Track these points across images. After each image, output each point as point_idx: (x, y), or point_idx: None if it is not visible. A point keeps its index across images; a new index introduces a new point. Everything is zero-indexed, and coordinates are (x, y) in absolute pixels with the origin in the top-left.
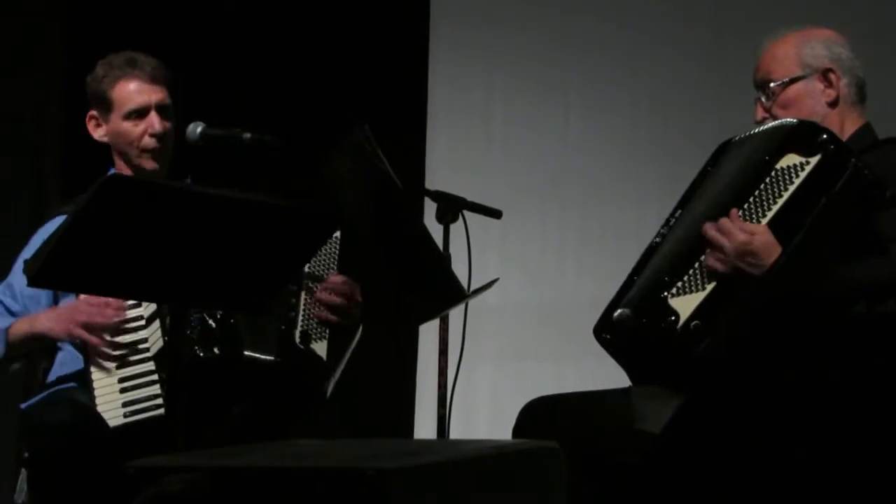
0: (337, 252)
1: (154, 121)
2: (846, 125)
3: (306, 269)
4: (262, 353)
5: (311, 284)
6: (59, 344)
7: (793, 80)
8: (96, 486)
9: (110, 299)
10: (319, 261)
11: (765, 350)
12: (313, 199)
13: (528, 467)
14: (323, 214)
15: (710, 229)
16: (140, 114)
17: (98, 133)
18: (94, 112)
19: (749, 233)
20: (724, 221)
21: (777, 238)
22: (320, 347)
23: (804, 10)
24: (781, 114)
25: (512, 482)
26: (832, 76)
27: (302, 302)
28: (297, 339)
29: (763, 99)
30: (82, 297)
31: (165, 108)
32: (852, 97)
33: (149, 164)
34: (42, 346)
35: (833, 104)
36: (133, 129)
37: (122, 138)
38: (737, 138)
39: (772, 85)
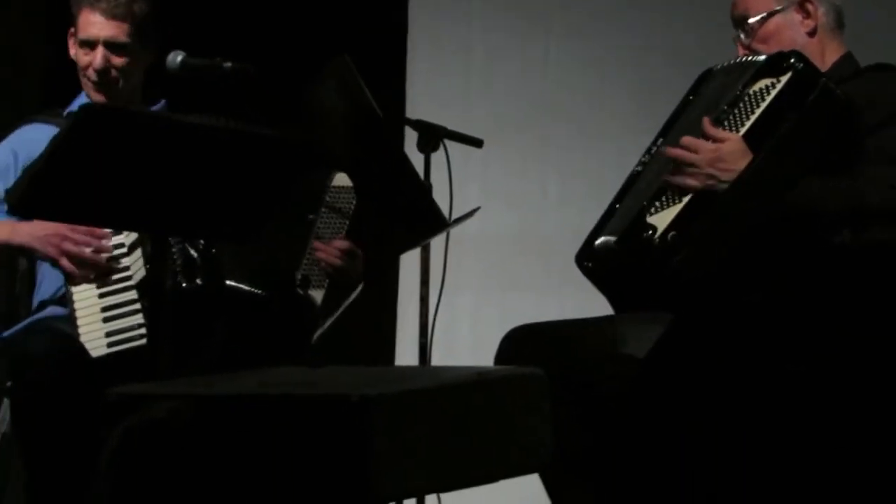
0: (350, 215)
1: (97, 55)
2: (826, 53)
3: (317, 227)
4: (254, 287)
5: (325, 231)
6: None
7: (770, 14)
8: (79, 415)
9: (95, 230)
10: (330, 219)
11: (745, 274)
12: (294, 128)
13: (513, 393)
14: (302, 143)
15: (672, 150)
16: (90, 45)
17: (72, 52)
18: (71, 29)
19: (719, 139)
20: (686, 138)
21: (751, 148)
22: (317, 295)
23: None
24: (762, 48)
25: (496, 408)
26: (809, 6)
27: (308, 248)
28: (297, 282)
29: (742, 36)
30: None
31: (117, 45)
32: (830, 24)
33: (92, 94)
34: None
35: (812, 33)
36: (83, 58)
37: (77, 63)
38: (717, 67)
39: (750, 21)
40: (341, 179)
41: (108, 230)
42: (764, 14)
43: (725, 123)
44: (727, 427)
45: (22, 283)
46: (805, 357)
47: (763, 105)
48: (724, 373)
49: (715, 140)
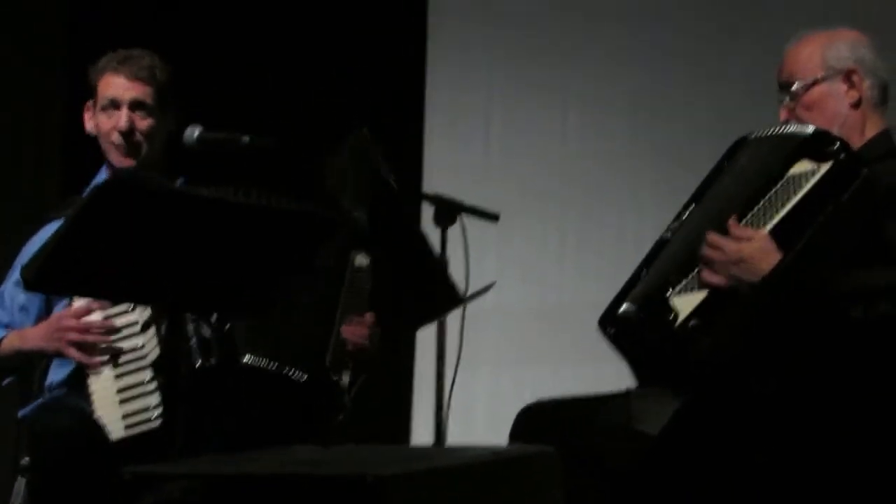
0: (369, 286)
1: (121, 117)
2: (867, 127)
3: (343, 299)
4: (289, 367)
5: (345, 313)
6: None
7: (815, 82)
8: (97, 493)
9: (93, 304)
10: (353, 293)
11: (762, 353)
12: (312, 202)
13: (525, 472)
14: (320, 217)
15: (703, 249)
16: (114, 106)
17: (89, 125)
18: (89, 103)
19: (745, 239)
20: (712, 236)
21: (779, 244)
22: (345, 377)
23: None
24: (805, 115)
25: (508, 487)
26: (855, 77)
27: (336, 327)
28: (328, 363)
29: (787, 100)
30: (68, 310)
31: (142, 105)
32: (875, 99)
33: (117, 158)
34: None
35: (856, 105)
36: (106, 121)
37: (99, 130)
38: (753, 136)
39: (795, 86)
40: (360, 260)
41: (113, 309)
42: (809, 81)
43: (757, 208)
44: None
45: (35, 363)
46: (819, 442)
47: (798, 195)
48: (738, 455)
49: (738, 239)
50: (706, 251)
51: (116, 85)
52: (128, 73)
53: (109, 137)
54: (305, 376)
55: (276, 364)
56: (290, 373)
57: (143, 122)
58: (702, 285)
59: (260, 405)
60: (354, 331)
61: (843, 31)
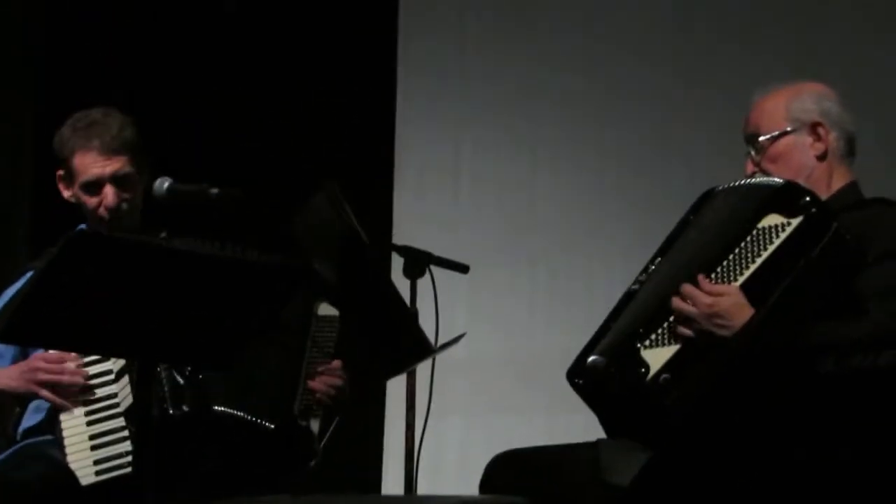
0: (336, 334)
1: (108, 194)
2: (834, 179)
3: (309, 348)
4: (257, 417)
5: (310, 360)
6: None
7: (782, 135)
8: None
9: (67, 355)
10: (320, 341)
11: (732, 406)
12: (281, 253)
13: None
14: (290, 269)
15: (676, 301)
16: (95, 186)
17: (66, 194)
18: (60, 172)
19: (717, 294)
20: (686, 288)
21: (750, 299)
22: (314, 424)
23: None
24: (771, 168)
25: None
26: (821, 130)
27: (303, 376)
28: (296, 411)
29: (752, 153)
30: (41, 354)
31: (122, 177)
32: (841, 150)
33: (104, 230)
34: (5, 401)
35: (822, 157)
36: (90, 199)
37: (83, 205)
38: (720, 188)
39: (761, 139)
40: (324, 309)
41: (86, 358)
42: (775, 133)
43: (726, 262)
44: None
45: (5, 414)
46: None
47: (769, 250)
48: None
49: (711, 294)
50: (679, 304)
51: (93, 164)
52: (100, 147)
53: (96, 213)
54: (273, 426)
55: (245, 413)
56: (259, 422)
57: (128, 193)
58: (674, 338)
59: (230, 453)
60: (324, 380)
61: (809, 84)
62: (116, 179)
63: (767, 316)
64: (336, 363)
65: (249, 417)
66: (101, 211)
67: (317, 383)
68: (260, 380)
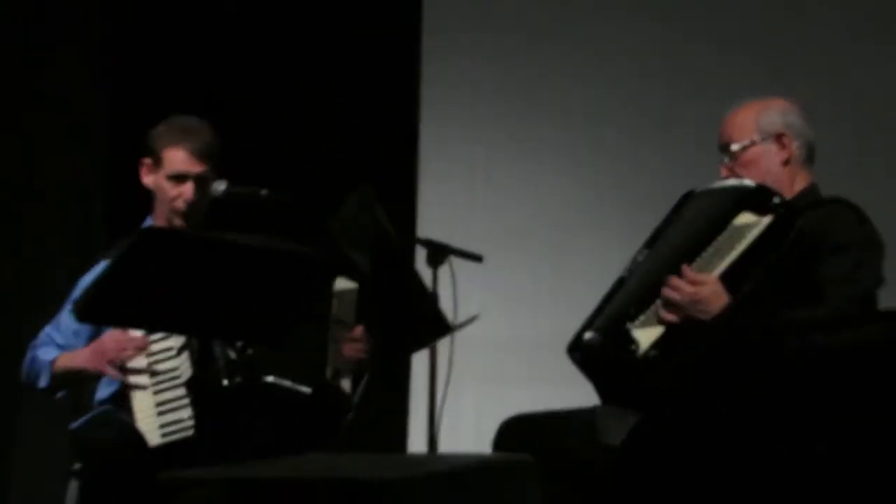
0: (355, 301)
1: (188, 190)
2: (796, 182)
3: (333, 314)
4: (296, 383)
5: (336, 328)
6: None
7: (751, 144)
8: (138, 495)
9: (134, 337)
10: (342, 308)
11: (709, 376)
12: (322, 247)
13: (507, 478)
14: (329, 260)
15: (664, 290)
16: (180, 179)
17: (147, 179)
18: (147, 160)
19: (699, 283)
20: (673, 279)
21: (727, 287)
22: (345, 385)
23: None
24: (742, 172)
25: (492, 491)
26: (785, 139)
27: (330, 342)
28: (329, 375)
29: (726, 160)
30: (109, 335)
31: (203, 180)
32: (802, 157)
33: (177, 222)
34: (82, 378)
35: (786, 163)
36: (171, 189)
37: (161, 193)
38: (699, 189)
39: (733, 148)
40: (341, 283)
41: (153, 336)
42: (746, 143)
43: (705, 254)
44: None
45: (83, 384)
46: (758, 448)
47: (743, 244)
48: (688, 463)
49: (694, 283)
50: (666, 292)
51: (182, 160)
52: (191, 148)
53: (174, 203)
54: (309, 390)
55: (289, 381)
56: (297, 388)
57: (204, 193)
58: (660, 321)
59: (276, 418)
60: (350, 346)
61: (775, 99)
62: (198, 180)
63: (740, 304)
64: (358, 329)
65: (289, 384)
66: (179, 203)
67: (343, 348)
68: (294, 352)
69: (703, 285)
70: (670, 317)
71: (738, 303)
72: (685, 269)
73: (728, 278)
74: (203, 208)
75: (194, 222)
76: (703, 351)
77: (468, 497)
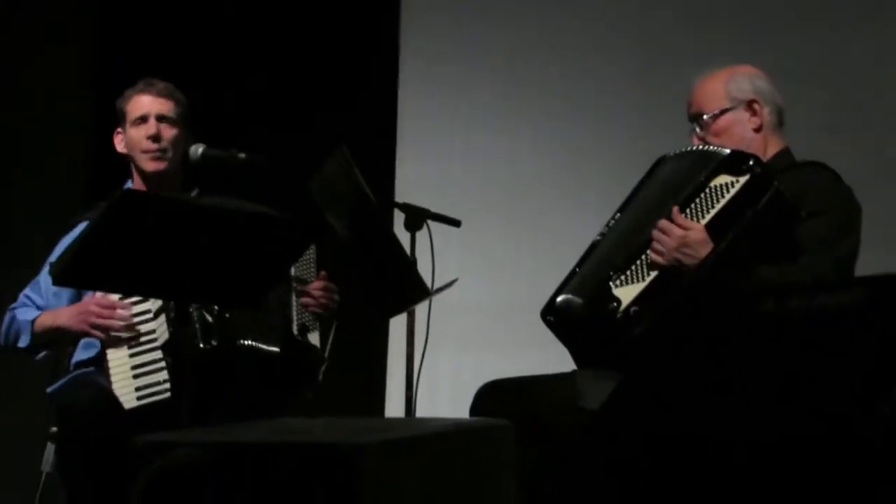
0: (314, 258)
1: (150, 125)
2: (769, 147)
3: (293, 272)
4: (266, 345)
5: (297, 285)
6: None
7: (722, 112)
8: (114, 458)
9: (118, 301)
10: (302, 266)
11: (689, 337)
12: (299, 210)
13: (484, 442)
14: (303, 224)
15: (655, 233)
16: (143, 120)
17: (120, 146)
18: (118, 128)
19: (687, 227)
20: (663, 222)
21: (711, 237)
22: (313, 338)
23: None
24: (715, 141)
25: (470, 454)
26: (756, 106)
27: (294, 300)
28: (296, 332)
29: (697, 129)
30: (94, 297)
31: (167, 118)
32: (773, 122)
33: (149, 164)
34: (63, 338)
35: (757, 130)
36: (137, 133)
37: (131, 143)
38: (671, 153)
39: (704, 117)
40: None
41: (130, 299)
42: (716, 111)
43: (688, 210)
44: (670, 471)
45: (61, 348)
46: (735, 409)
47: (723, 201)
48: (667, 423)
49: (682, 228)
50: (656, 233)
51: (144, 102)
52: (153, 91)
53: (140, 146)
54: (277, 349)
55: (257, 342)
56: (264, 348)
57: (169, 132)
58: (646, 271)
59: (251, 379)
60: (313, 296)
61: (741, 66)
62: (160, 118)
63: (723, 253)
64: (320, 278)
65: (255, 345)
66: (146, 143)
67: (307, 300)
68: (259, 315)
69: (692, 230)
70: (659, 259)
71: (719, 252)
72: (675, 212)
73: (711, 230)
74: (176, 161)
75: (169, 187)
76: (684, 305)
77: (446, 461)
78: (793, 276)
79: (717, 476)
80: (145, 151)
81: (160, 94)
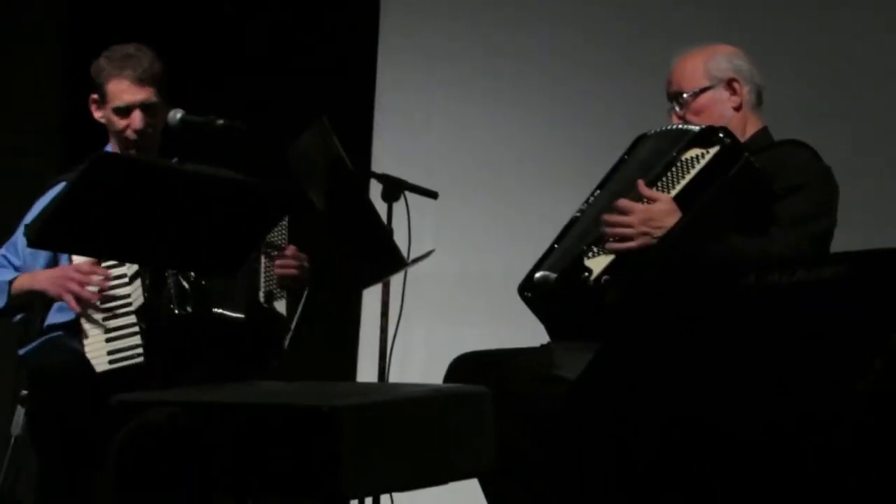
0: (286, 224)
1: (135, 118)
2: (748, 126)
3: (263, 246)
4: (232, 311)
5: (268, 251)
6: None
7: (702, 90)
8: (86, 420)
9: (97, 268)
10: (274, 232)
11: (664, 309)
12: (276, 178)
13: (462, 407)
14: (281, 192)
15: (608, 216)
16: (126, 111)
17: (97, 115)
18: (94, 96)
19: (652, 199)
20: (621, 201)
21: (680, 208)
22: (280, 306)
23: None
24: (694, 120)
25: (448, 419)
26: (736, 85)
27: (262, 267)
28: (262, 299)
29: (676, 108)
30: (74, 263)
31: (149, 106)
32: (753, 102)
33: (131, 147)
34: (40, 300)
35: (737, 109)
36: (119, 122)
37: (112, 126)
38: (651, 132)
39: (684, 96)
40: None
41: (108, 265)
42: (696, 90)
43: (659, 184)
44: (645, 440)
45: (34, 310)
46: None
47: (693, 172)
48: (644, 394)
49: (649, 200)
50: (617, 219)
51: (124, 90)
52: (132, 76)
53: (124, 135)
54: (241, 315)
55: (222, 308)
56: (229, 314)
57: (153, 120)
58: (610, 250)
59: (217, 345)
60: (282, 265)
61: (720, 45)
62: (144, 107)
63: (691, 221)
64: (290, 249)
65: (222, 312)
66: (129, 133)
67: (276, 269)
68: (230, 283)
69: (657, 201)
70: (620, 246)
71: (687, 221)
72: (640, 184)
73: (680, 201)
74: (157, 133)
75: (149, 149)
76: (655, 271)
77: (422, 426)
78: (767, 247)
79: (694, 447)
80: (128, 141)
81: (142, 82)
